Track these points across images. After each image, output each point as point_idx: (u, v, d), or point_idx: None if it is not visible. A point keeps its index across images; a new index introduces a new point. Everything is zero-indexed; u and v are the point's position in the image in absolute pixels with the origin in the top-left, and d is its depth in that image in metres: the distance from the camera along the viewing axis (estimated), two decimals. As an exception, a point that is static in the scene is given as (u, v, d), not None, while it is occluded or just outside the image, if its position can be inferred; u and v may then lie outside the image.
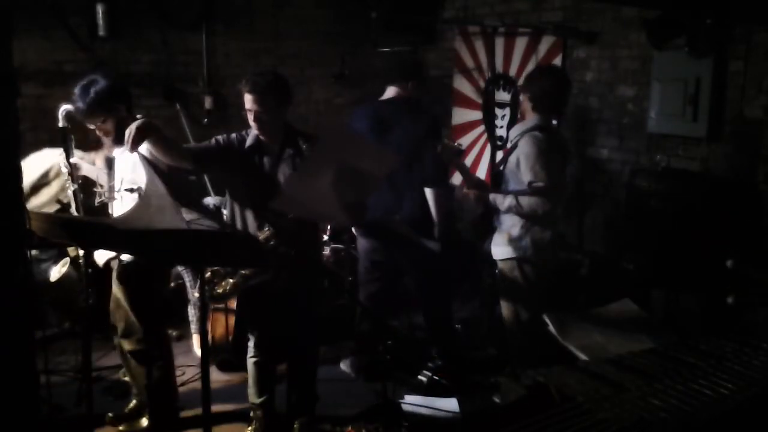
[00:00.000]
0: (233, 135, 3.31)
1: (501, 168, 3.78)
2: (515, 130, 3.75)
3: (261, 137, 3.22)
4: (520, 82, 4.33)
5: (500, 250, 3.73)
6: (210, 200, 4.92)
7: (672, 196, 3.89)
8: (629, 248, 4.27)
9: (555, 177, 3.55)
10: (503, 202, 3.60)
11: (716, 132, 3.95)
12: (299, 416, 3.51)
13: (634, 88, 4.47)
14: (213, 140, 3.30)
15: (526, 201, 3.53)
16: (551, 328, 3.14)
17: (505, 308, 3.81)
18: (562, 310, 3.38)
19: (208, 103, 5.70)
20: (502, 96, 5.38)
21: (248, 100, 3.14)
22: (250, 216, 3.23)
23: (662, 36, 4.03)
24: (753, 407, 1.86)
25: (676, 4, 3.78)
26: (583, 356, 2.89)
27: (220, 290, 3.10)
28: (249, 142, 3.26)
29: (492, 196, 3.67)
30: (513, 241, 3.66)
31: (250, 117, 3.16)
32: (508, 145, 4.95)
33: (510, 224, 3.66)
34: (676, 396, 1.83)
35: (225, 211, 3.55)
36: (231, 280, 3.09)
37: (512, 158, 3.65)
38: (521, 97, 3.90)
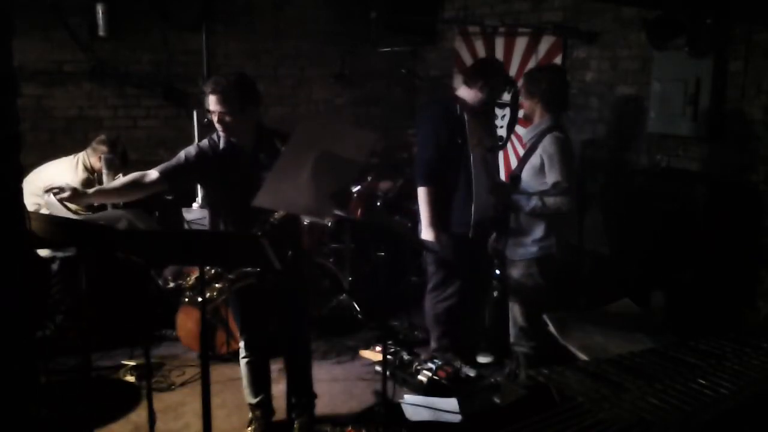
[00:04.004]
0: (204, 142, 3.23)
1: (519, 170, 3.77)
2: (530, 132, 3.76)
3: (231, 139, 3.15)
4: (521, 82, 4.30)
5: (522, 250, 3.75)
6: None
7: (672, 196, 3.89)
8: (629, 248, 4.27)
9: (575, 176, 3.68)
10: (527, 203, 3.62)
11: (716, 132, 3.95)
12: (299, 416, 3.50)
13: (634, 88, 4.47)
14: (183, 155, 3.19)
15: (551, 201, 3.57)
16: (551, 328, 3.14)
17: (518, 308, 3.82)
18: (562, 310, 3.38)
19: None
20: (502, 96, 5.37)
21: (211, 101, 3.06)
22: (231, 221, 3.19)
23: (662, 36, 4.03)
24: (753, 407, 1.86)
25: (676, 4, 3.77)
26: (583, 356, 2.89)
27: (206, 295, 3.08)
28: (222, 145, 3.18)
29: (515, 197, 3.68)
30: (536, 242, 3.70)
31: (214, 119, 3.09)
32: (509, 146, 4.99)
33: (532, 224, 3.69)
34: (676, 396, 1.82)
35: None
36: (217, 285, 3.01)
37: (534, 159, 3.66)
38: (521, 98, 3.89)
